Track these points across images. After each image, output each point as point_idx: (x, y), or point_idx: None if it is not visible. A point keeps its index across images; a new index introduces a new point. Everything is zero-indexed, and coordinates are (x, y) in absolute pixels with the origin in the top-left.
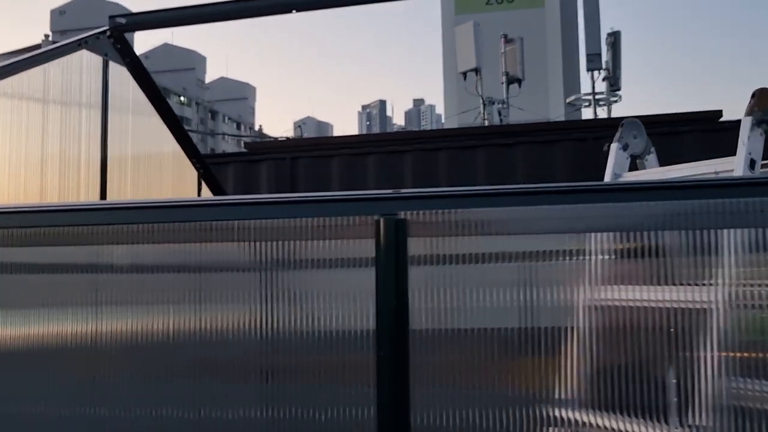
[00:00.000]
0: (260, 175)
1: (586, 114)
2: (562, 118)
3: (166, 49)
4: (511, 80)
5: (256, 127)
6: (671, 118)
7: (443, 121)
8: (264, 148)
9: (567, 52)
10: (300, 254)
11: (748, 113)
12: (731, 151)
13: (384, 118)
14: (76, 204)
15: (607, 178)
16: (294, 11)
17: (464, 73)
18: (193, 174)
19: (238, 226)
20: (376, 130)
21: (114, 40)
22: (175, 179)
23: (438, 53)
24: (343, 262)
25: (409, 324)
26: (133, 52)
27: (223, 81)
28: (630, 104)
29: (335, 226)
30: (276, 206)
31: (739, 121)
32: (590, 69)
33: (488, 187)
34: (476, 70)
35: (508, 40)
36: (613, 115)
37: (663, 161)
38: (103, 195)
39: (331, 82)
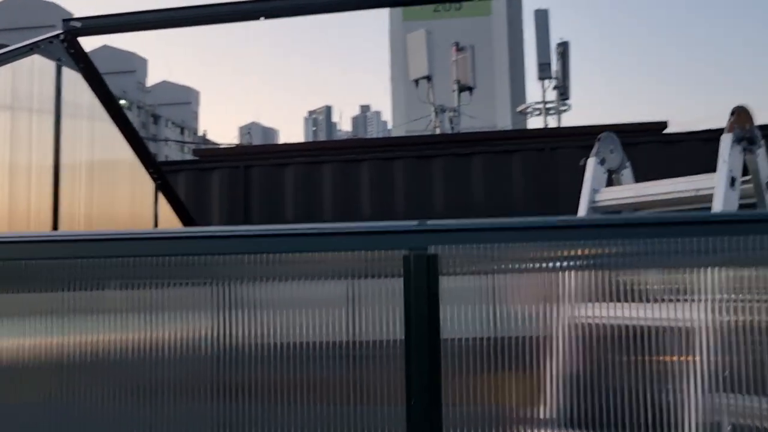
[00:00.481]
0: (212, 184)
1: (534, 122)
2: (509, 126)
3: (106, 51)
4: (462, 88)
5: (201, 133)
6: (618, 128)
7: (390, 127)
8: (215, 155)
9: (513, 60)
10: (323, 290)
11: (729, 130)
12: (681, 163)
13: (330, 124)
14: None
15: (585, 193)
16: (263, 18)
17: (416, 81)
18: (149, 184)
19: (250, 260)
20: (322, 136)
21: (68, 44)
22: (131, 190)
23: (385, 60)
24: (369, 299)
25: (441, 374)
26: (88, 58)
27: (165, 85)
28: (579, 113)
29: (359, 261)
30: (294, 239)
31: (688, 134)
32: (541, 78)
33: (526, 219)
34: (428, 78)
35: (459, 49)
36: (563, 123)
37: None
38: (55, 205)
39: (276, 88)
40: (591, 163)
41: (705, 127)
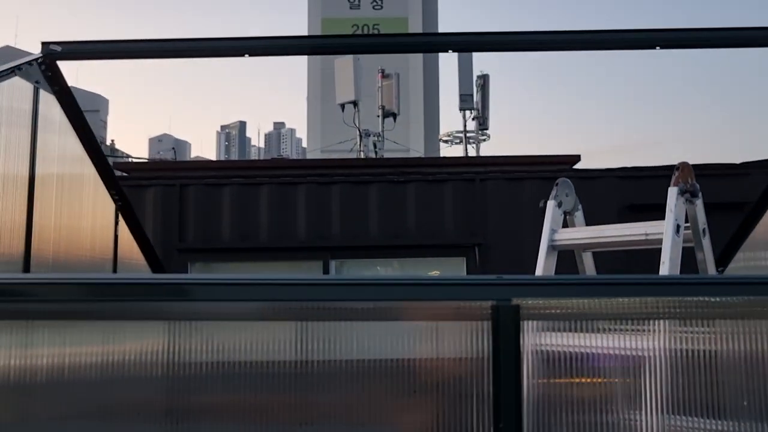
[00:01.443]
0: (145, 204)
1: (451, 151)
2: (422, 154)
3: (8, 52)
4: (387, 114)
5: (108, 142)
6: (533, 160)
7: (304, 145)
8: (146, 171)
9: (428, 87)
10: (409, 339)
11: (674, 184)
12: (596, 200)
13: (244, 140)
14: None
15: (545, 234)
16: (246, 55)
17: (342, 105)
18: (111, 205)
19: (333, 306)
20: (235, 151)
21: (45, 67)
22: (93, 209)
23: (301, 76)
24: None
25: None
26: (63, 80)
27: (72, 91)
28: (497, 143)
29: (446, 311)
30: (381, 288)
31: (603, 170)
32: (462, 109)
33: (607, 276)
34: (354, 103)
35: (384, 75)
36: (482, 153)
37: (531, 205)
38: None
39: (187, 99)
40: (550, 205)
41: (611, 155)
